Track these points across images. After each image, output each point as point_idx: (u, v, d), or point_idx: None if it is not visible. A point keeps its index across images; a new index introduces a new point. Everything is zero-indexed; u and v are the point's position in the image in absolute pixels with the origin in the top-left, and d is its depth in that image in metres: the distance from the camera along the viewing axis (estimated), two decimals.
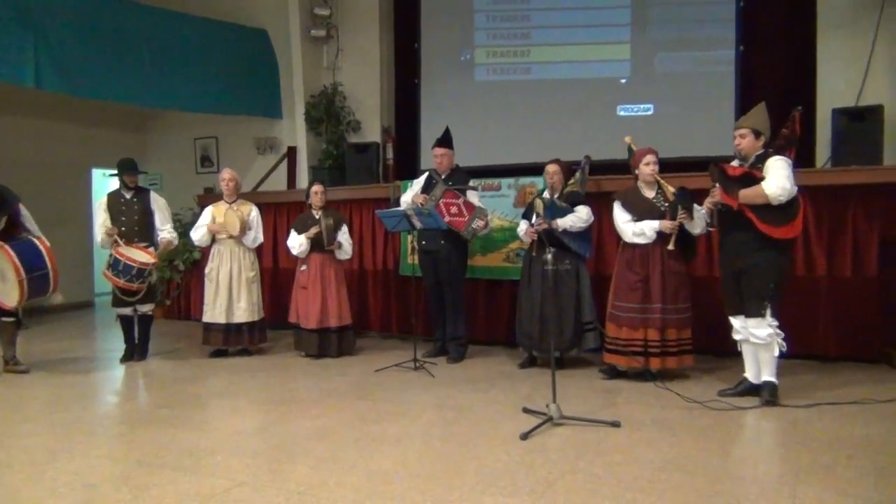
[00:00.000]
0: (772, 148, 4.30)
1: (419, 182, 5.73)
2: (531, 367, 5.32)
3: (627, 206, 4.79)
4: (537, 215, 4.97)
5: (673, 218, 4.57)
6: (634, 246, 4.72)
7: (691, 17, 7.02)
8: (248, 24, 8.48)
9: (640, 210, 4.72)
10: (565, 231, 5.03)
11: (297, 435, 3.78)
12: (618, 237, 4.92)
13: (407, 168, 7.67)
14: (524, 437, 3.60)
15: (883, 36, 6.06)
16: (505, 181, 6.10)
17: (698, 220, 4.58)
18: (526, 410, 4.05)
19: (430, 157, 5.69)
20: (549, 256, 4.04)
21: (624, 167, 5.24)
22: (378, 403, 4.41)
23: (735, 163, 4.30)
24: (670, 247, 4.57)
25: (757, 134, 4.18)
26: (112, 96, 7.27)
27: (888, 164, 5.63)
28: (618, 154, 6.29)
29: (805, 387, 4.56)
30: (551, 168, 5.23)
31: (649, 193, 4.76)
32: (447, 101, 7.78)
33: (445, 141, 5.61)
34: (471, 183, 5.61)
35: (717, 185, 4.24)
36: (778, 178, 4.02)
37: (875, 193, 5.21)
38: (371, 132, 8.08)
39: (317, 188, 5.89)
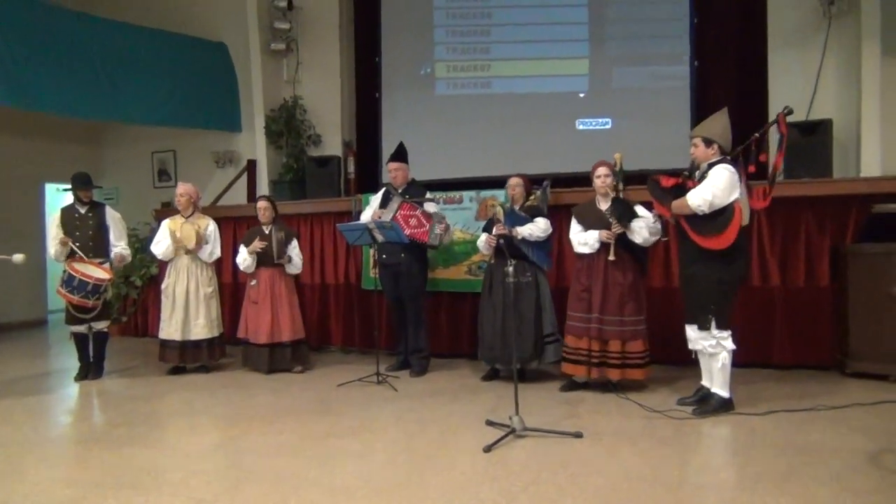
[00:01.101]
0: (745, 154, 4.26)
1: (377, 197, 5.73)
2: (494, 380, 5.32)
3: (580, 218, 4.88)
4: (496, 221, 5.03)
5: (623, 225, 4.65)
6: (582, 256, 4.82)
7: (647, 33, 7.15)
8: (206, 38, 8.40)
9: (591, 221, 4.80)
10: (524, 240, 5.07)
11: (257, 452, 3.72)
12: None
13: (368, 181, 7.66)
14: (487, 449, 3.60)
15: (831, 52, 6.26)
16: (467, 194, 6.13)
17: (639, 231, 4.61)
18: (489, 423, 4.05)
19: (387, 171, 5.73)
20: (511, 269, 4.05)
21: (583, 180, 5.32)
22: (341, 418, 4.37)
23: (699, 170, 4.37)
24: (611, 257, 4.64)
25: (708, 142, 4.24)
26: (65, 110, 7.12)
27: (837, 176, 5.83)
28: (577, 167, 6.40)
29: (762, 395, 4.65)
30: (513, 181, 5.28)
31: (603, 205, 4.83)
32: (408, 115, 7.79)
33: (400, 155, 5.63)
34: (428, 195, 5.63)
35: (653, 198, 4.36)
36: (702, 189, 4.09)
37: (826, 205, 5.36)
38: (332, 146, 8.05)
39: (262, 204, 5.89)
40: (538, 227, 5.13)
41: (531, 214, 5.19)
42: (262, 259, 5.74)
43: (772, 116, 6.36)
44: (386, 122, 7.93)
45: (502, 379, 5.31)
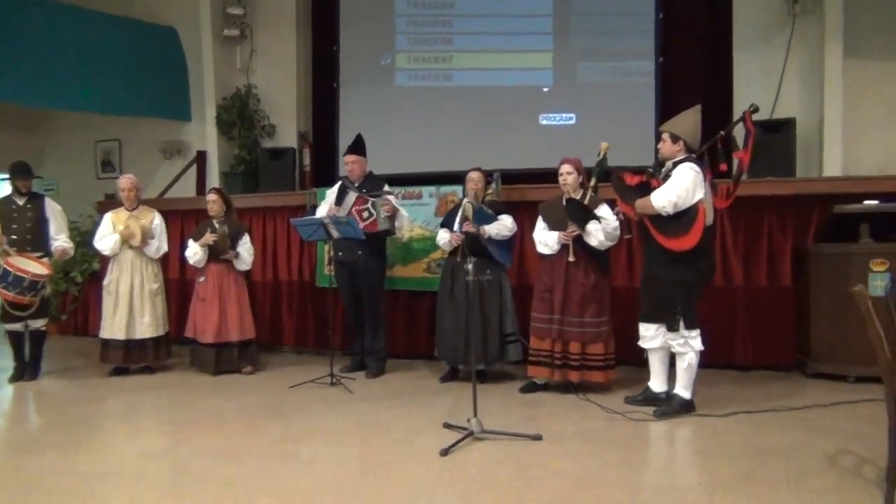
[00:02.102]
0: (710, 153, 4.31)
1: (333, 191, 5.70)
2: (452, 381, 5.34)
3: (546, 216, 4.93)
4: (466, 220, 5.02)
5: (580, 227, 4.69)
6: (544, 256, 4.87)
7: (612, 28, 7.22)
8: (155, 22, 8.24)
9: (555, 220, 4.83)
10: (490, 239, 5.10)
11: (204, 457, 3.67)
12: None
13: (324, 175, 7.59)
14: (444, 452, 3.60)
15: (795, 51, 6.40)
16: (426, 189, 6.13)
17: (594, 234, 4.64)
18: (447, 426, 4.05)
19: (344, 163, 5.72)
20: (470, 266, 4.07)
21: (547, 176, 5.35)
22: (292, 422, 4.34)
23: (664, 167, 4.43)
24: (570, 258, 4.69)
25: (674, 139, 4.30)
26: (1, 96, 6.91)
27: (800, 176, 5.96)
28: (541, 162, 6.44)
29: (723, 396, 4.74)
30: (474, 175, 5.27)
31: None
32: (367, 107, 7.75)
33: (357, 148, 5.61)
34: (386, 188, 5.61)
35: (617, 195, 4.41)
36: (666, 189, 4.15)
37: (788, 205, 5.49)
38: (286, 137, 7.97)
39: (211, 196, 5.84)
40: (505, 226, 5.15)
41: (495, 211, 5.21)
42: (212, 254, 5.68)
43: (737, 115, 6.48)
44: (343, 114, 7.87)
45: (461, 380, 5.32)
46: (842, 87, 6.06)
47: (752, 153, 5.46)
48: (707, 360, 5.15)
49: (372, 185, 5.58)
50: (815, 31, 6.28)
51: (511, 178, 6.25)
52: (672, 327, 4.29)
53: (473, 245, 4.98)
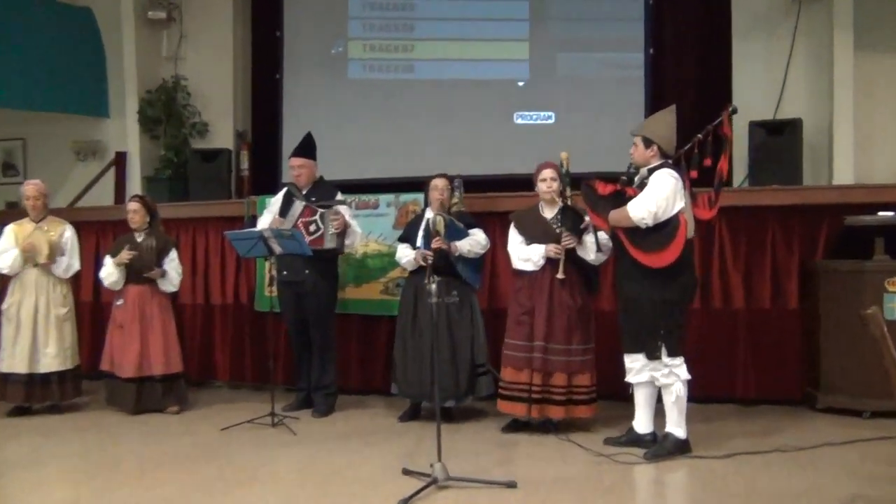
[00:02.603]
0: (687, 158, 4.42)
1: (277, 200, 5.69)
2: (414, 420, 5.33)
3: (521, 228, 4.94)
4: (434, 234, 5.02)
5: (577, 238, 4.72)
6: (522, 273, 4.88)
7: (596, 14, 7.31)
8: (67, 1, 8.15)
9: (534, 232, 4.86)
10: (460, 257, 5.13)
11: None
12: None
13: (266, 181, 7.55)
14: (404, 503, 3.59)
15: (800, 44, 6.53)
16: (383, 198, 6.15)
17: (591, 246, 4.69)
18: (406, 472, 4.04)
19: (289, 167, 5.71)
20: (433, 287, 4.07)
21: (522, 183, 5.40)
22: (227, 469, 4.29)
23: (636, 175, 4.50)
24: (559, 275, 4.69)
25: (647, 143, 4.38)
26: None
27: (807, 183, 6.10)
28: (515, 167, 6.50)
29: (722, 434, 4.79)
30: (440, 183, 5.29)
31: (548, 214, 4.90)
32: (315, 102, 7.74)
33: (305, 150, 5.62)
34: (339, 197, 5.60)
35: (587, 206, 4.48)
36: (644, 198, 4.23)
37: (795, 216, 5.61)
38: (221, 137, 7.91)
39: (132, 206, 5.79)
40: (478, 242, 5.19)
41: (464, 224, 5.25)
42: (132, 273, 5.61)
43: (737, 115, 6.61)
44: (288, 110, 7.85)
45: (423, 419, 5.32)
46: (852, 82, 6.19)
47: (753, 157, 5.65)
48: (704, 394, 5.24)
49: (322, 192, 5.57)
50: (822, 20, 6.41)
51: (482, 184, 6.31)
52: (652, 355, 4.33)
53: (438, 262, 5.00)
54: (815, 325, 5.42)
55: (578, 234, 4.70)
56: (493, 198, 5.94)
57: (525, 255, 4.83)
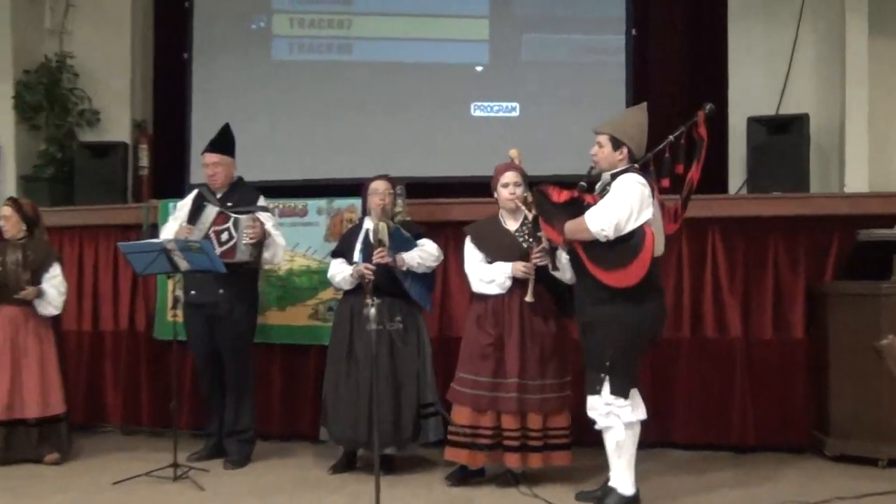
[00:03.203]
0: (657, 162, 4.46)
1: (185, 204, 5.64)
2: (348, 472, 5.30)
3: (480, 244, 4.94)
4: (376, 245, 5.00)
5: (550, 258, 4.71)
6: (485, 297, 4.86)
7: None
8: None
9: (496, 248, 4.86)
10: (408, 273, 5.12)
11: None
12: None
13: (170, 181, 7.48)
14: None
15: (807, 27, 6.66)
16: (313, 203, 6.14)
17: (567, 264, 4.67)
18: None
19: (201, 165, 5.65)
20: (372, 311, 4.05)
21: (480, 187, 5.41)
22: None
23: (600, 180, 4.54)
24: (528, 298, 4.67)
25: (616, 144, 4.40)
26: None
27: (815, 190, 6.20)
28: (472, 168, 6.51)
29: (715, 487, 4.83)
30: (381, 186, 5.28)
31: (511, 225, 4.91)
32: (231, 88, 7.68)
33: (221, 145, 5.59)
34: (262, 202, 5.57)
35: (540, 216, 4.51)
36: (604, 207, 4.22)
37: (800, 229, 5.73)
38: (116, 128, 7.81)
39: (5, 210, 5.71)
40: (430, 255, 5.19)
41: (413, 233, 5.25)
42: (1, 292, 5.52)
43: (734, 109, 6.74)
44: (199, 97, 7.77)
45: (360, 470, 5.29)
46: (867, 73, 6.31)
47: (751, 161, 5.73)
48: (694, 439, 5.30)
49: (241, 196, 5.54)
50: (833, 1, 6.54)
51: (431, 188, 6.33)
52: (593, 389, 4.33)
53: (380, 280, 4.99)
54: (823, 358, 5.51)
55: (551, 248, 4.70)
56: (445, 205, 5.97)
57: (488, 275, 4.82)
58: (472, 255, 4.95)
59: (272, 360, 6.19)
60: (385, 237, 4.98)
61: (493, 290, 4.80)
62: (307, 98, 7.60)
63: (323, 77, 7.62)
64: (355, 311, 5.14)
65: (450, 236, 5.71)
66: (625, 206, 4.19)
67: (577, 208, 4.37)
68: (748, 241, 5.74)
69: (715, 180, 6.37)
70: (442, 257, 5.33)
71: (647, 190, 4.25)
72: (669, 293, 5.56)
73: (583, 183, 4.47)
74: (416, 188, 5.87)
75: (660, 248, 4.31)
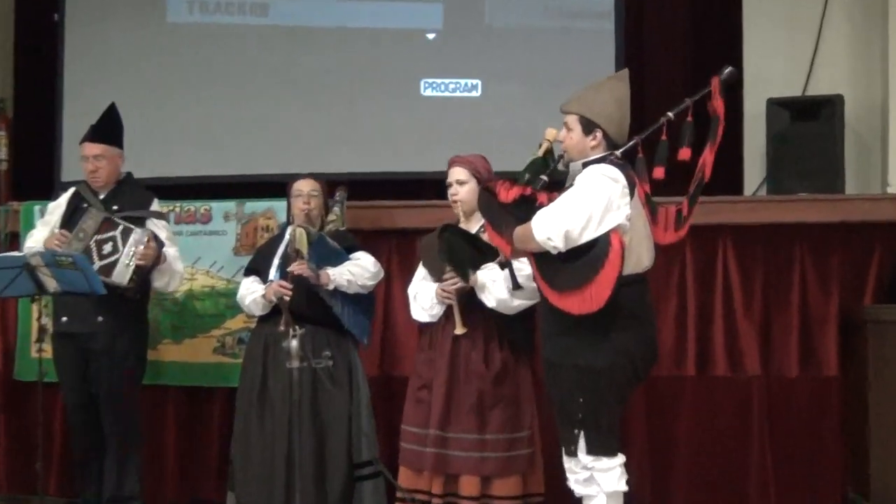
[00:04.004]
0: (633, 151, 4.27)
1: (58, 207, 5.60)
2: None
3: (426, 259, 5.00)
4: (294, 256, 4.99)
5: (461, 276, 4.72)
6: (425, 328, 4.94)
7: None
8: None
9: (439, 265, 4.89)
10: (336, 293, 5.10)
11: None
12: None
13: (36, 178, 7.42)
14: None
15: None
16: (220, 207, 6.11)
17: (491, 286, 4.65)
18: None
19: (79, 158, 5.59)
20: (295, 343, 4.04)
21: (433, 186, 5.42)
22: None
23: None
24: (457, 329, 4.69)
25: (588, 126, 4.26)
26: None
27: (851, 191, 6.26)
28: (422, 163, 6.52)
29: None
30: (305, 186, 5.29)
31: (474, 228, 4.92)
32: (115, 59, 7.64)
33: (105, 132, 5.55)
34: (156, 206, 5.53)
35: (485, 221, 4.46)
36: (554, 210, 4.06)
37: (834, 239, 5.77)
38: None
39: None
40: (364, 270, 5.17)
41: (345, 245, 5.23)
42: None
43: (750, 90, 6.78)
44: (73, 71, 7.72)
45: None
46: None
47: (772, 154, 5.72)
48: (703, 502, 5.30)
49: (130, 198, 5.51)
50: None
51: (371, 188, 6.31)
52: (568, 448, 4.27)
53: (304, 304, 4.99)
54: (861, 401, 5.54)
55: (464, 269, 4.69)
56: (388, 208, 5.94)
57: (421, 298, 4.88)
58: (418, 274, 5.00)
59: (165, 406, 6.15)
60: (303, 246, 4.95)
61: (425, 316, 4.87)
62: (212, 72, 7.57)
63: (232, 46, 7.59)
64: (270, 344, 5.14)
65: (394, 249, 5.71)
66: (580, 208, 3.98)
67: (528, 209, 4.24)
68: (768, 255, 5.79)
69: (727, 178, 6.37)
70: (381, 275, 5.29)
71: (617, 186, 4.05)
72: (669, 319, 5.62)
73: (542, 176, 4.43)
74: (354, 188, 5.83)
75: (643, 261, 4.19)
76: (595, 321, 4.02)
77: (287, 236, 5.25)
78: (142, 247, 5.19)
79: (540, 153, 4.66)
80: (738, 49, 6.93)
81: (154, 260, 5.26)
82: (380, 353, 5.89)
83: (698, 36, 7.22)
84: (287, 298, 4.90)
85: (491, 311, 4.71)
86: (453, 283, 4.69)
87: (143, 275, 5.29)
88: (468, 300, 4.72)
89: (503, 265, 4.55)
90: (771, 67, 6.75)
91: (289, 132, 7.31)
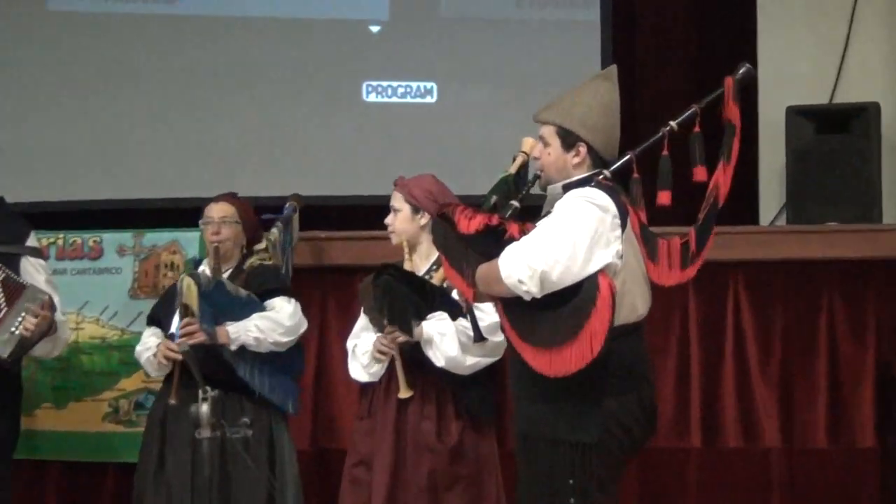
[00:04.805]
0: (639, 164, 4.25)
1: None
2: None
3: (366, 305, 4.92)
4: (183, 312, 4.95)
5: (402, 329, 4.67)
6: (365, 388, 4.91)
7: None
8: None
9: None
10: (245, 353, 5.09)
11: None
12: None
13: None
14: None
15: None
16: (112, 238, 6.06)
17: (440, 342, 4.62)
18: None
19: None
20: (205, 409, 4.02)
21: (376, 212, 5.41)
22: None
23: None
24: (401, 393, 4.65)
25: (568, 139, 4.17)
26: None
27: (889, 220, 6.27)
28: (366, 186, 6.52)
29: None
30: (216, 212, 5.25)
31: (417, 269, 4.90)
32: None
33: None
34: (32, 241, 5.51)
35: (442, 256, 4.38)
36: (525, 247, 3.96)
37: (870, 279, 5.82)
38: None
39: None
40: (276, 326, 5.13)
41: (260, 289, 5.22)
42: None
43: (764, 91, 6.82)
44: None
45: None
46: None
47: (793, 175, 5.73)
48: None
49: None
50: None
51: (301, 215, 6.29)
52: None
53: (213, 362, 4.96)
54: None
55: (406, 321, 4.66)
56: (323, 240, 5.93)
57: (362, 354, 4.84)
58: (359, 322, 4.97)
59: (45, 486, 6.11)
60: (192, 300, 4.89)
61: (363, 376, 4.84)
62: (103, 71, 7.56)
63: (130, 39, 7.60)
64: (171, 410, 5.12)
65: (331, 290, 5.69)
66: (560, 243, 3.82)
67: (495, 243, 4.16)
68: (789, 299, 5.82)
69: (738, 203, 6.32)
70: (302, 328, 5.21)
71: (607, 216, 3.99)
72: (669, 378, 5.64)
73: (513, 202, 4.36)
74: (275, 209, 5.83)
75: (637, 308, 4.16)
76: (581, 384, 3.88)
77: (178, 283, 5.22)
78: (32, 318, 5.14)
79: (512, 170, 4.68)
80: (751, 44, 7.00)
81: (48, 328, 5.18)
82: (312, 422, 5.85)
83: (703, 28, 7.27)
84: (185, 359, 4.85)
85: (442, 371, 4.70)
86: (397, 337, 4.65)
87: (26, 347, 5.22)
88: (416, 356, 4.68)
89: (465, 310, 4.52)
90: (791, 69, 6.79)
91: (199, 146, 7.30)
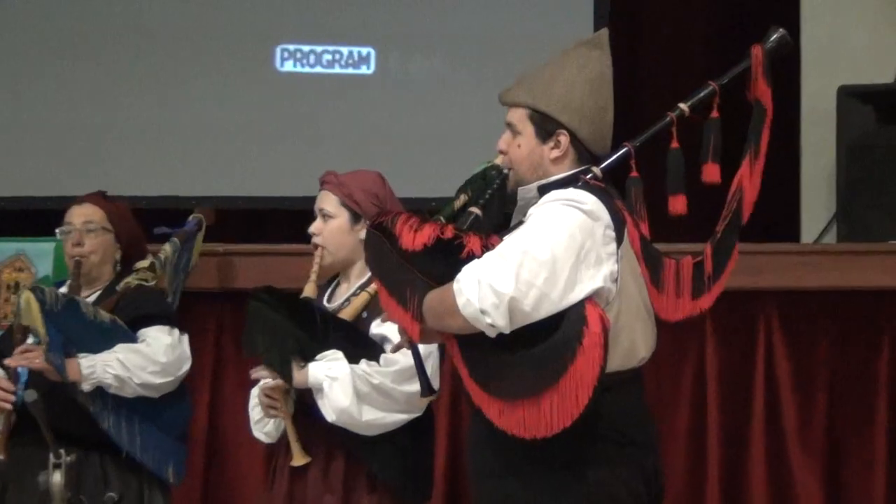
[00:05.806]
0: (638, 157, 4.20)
1: None
2: None
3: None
4: (20, 336, 4.96)
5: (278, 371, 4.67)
6: (271, 450, 4.95)
7: None
8: None
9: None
10: (106, 396, 5.03)
11: None
12: None
13: None
14: None
15: None
16: None
17: (328, 386, 4.59)
18: None
19: None
20: (57, 478, 3.98)
21: (299, 218, 5.37)
22: None
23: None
24: (294, 460, 4.64)
25: (545, 127, 4.19)
26: None
27: None
28: (278, 184, 6.50)
29: None
30: (78, 217, 5.26)
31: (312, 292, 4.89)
32: None
33: None
34: None
35: (376, 279, 4.30)
36: (491, 263, 3.90)
37: None
38: None
39: None
40: (145, 362, 5.09)
41: (132, 315, 5.17)
42: None
43: (809, 75, 6.86)
44: None
45: None
46: None
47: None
48: None
49: None
50: None
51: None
52: None
53: (70, 414, 4.91)
54: None
55: (304, 352, 4.66)
56: (218, 255, 5.89)
57: (257, 413, 4.87)
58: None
59: None
60: (35, 321, 4.87)
61: (259, 434, 4.90)
62: None
63: None
64: (12, 479, 5.10)
65: (227, 319, 5.64)
66: (535, 262, 3.85)
67: (448, 262, 4.08)
68: (840, 339, 5.78)
69: (774, 214, 6.44)
70: (184, 366, 5.21)
71: (597, 226, 3.96)
72: (679, 441, 5.60)
73: (475, 209, 4.26)
74: (165, 221, 5.77)
75: (637, 350, 4.10)
76: (562, 448, 3.79)
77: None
78: None
79: (477, 170, 4.56)
80: (792, 10, 7.03)
81: None
82: (202, 493, 5.80)
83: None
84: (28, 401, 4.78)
85: (343, 429, 4.68)
86: (278, 384, 4.65)
87: None
88: (317, 410, 4.66)
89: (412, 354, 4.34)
90: (844, 40, 6.81)
91: (59, 129, 7.30)
